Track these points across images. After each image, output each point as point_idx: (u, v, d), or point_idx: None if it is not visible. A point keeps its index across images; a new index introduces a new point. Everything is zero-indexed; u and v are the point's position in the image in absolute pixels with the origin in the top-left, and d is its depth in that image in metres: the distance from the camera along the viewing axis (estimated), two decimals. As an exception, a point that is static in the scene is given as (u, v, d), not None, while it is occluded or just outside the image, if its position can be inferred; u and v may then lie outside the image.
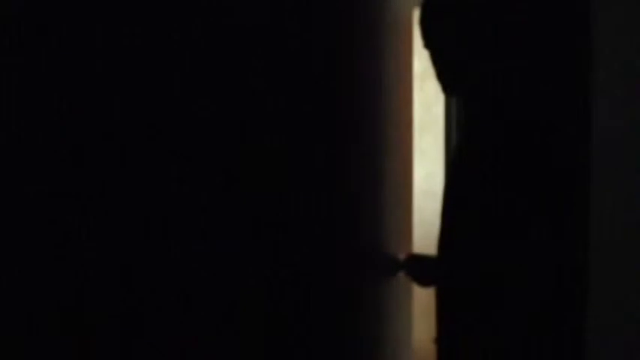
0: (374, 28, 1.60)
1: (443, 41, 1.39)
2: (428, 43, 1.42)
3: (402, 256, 1.78)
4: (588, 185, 1.14)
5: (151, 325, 0.98)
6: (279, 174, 1.24)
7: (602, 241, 1.13)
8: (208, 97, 1.05)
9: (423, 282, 1.71)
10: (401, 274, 1.78)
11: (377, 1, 1.62)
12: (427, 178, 3.61)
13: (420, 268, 1.72)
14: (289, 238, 1.27)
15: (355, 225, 1.55)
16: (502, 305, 1.30)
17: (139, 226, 0.96)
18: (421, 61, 3.59)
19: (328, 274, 1.43)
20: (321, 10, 1.35)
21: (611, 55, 1.13)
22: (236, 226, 1.13)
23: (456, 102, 3.31)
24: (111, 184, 0.90)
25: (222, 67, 1.06)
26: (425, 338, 3.52)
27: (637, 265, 1.11)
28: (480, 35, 1.35)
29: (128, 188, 0.93)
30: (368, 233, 1.63)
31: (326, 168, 1.40)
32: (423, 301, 3.63)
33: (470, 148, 1.38)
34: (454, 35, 1.37)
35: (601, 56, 1.13)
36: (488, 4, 1.37)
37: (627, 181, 1.12)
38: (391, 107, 1.73)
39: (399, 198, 1.78)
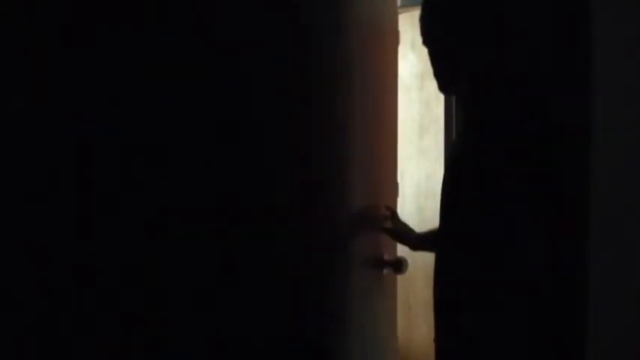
0: (355, 30, 1.62)
1: (441, 39, 1.38)
2: (426, 40, 1.42)
3: (387, 256, 1.83)
4: (588, 184, 1.14)
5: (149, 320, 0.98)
6: (266, 175, 1.24)
7: (602, 241, 1.13)
8: (197, 97, 1.06)
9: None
10: (386, 272, 1.83)
11: (358, 3, 1.64)
12: (427, 178, 3.61)
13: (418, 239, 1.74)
14: (279, 237, 1.28)
15: (342, 225, 1.57)
16: (500, 304, 1.29)
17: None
18: (421, 61, 3.59)
19: (317, 271, 1.45)
20: (302, 12, 1.37)
21: (611, 54, 1.13)
22: (228, 228, 1.13)
23: (456, 101, 3.31)
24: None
25: (202, 71, 1.06)
26: (425, 338, 3.52)
27: (637, 265, 1.11)
28: (478, 33, 1.35)
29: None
30: (355, 233, 1.66)
31: (310, 169, 1.41)
32: (423, 301, 3.63)
33: (468, 147, 1.38)
34: (453, 33, 1.37)
35: (601, 55, 1.13)
36: (487, 2, 1.37)
37: (627, 180, 1.12)
38: (375, 108, 1.75)
39: (384, 198, 1.80)
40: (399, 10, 3.77)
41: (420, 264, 3.60)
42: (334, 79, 1.53)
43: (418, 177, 3.68)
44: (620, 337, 1.12)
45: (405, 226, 1.81)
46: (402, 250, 3.49)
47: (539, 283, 1.28)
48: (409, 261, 3.66)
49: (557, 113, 1.33)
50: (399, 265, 1.85)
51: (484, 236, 1.31)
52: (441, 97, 3.25)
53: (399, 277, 3.75)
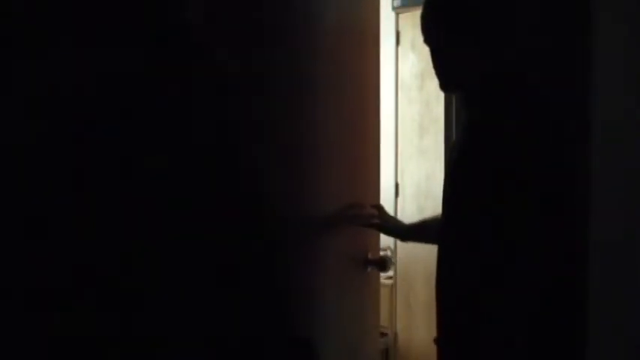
0: (334, 30, 1.64)
1: (443, 37, 1.39)
2: (428, 39, 1.42)
3: (370, 255, 1.90)
4: (588, 183, 1.14)
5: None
6: (241, 174, 1.26)
7: (602, 241, 1.13)
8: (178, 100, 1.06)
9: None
10: (370, 270, 1.90)
11: (338, 5, 1.66)
12: (427, 178, 3.61)
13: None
14: (253, 236, 1.30)
15: (320, 225, 1.63)
16: (502, 305, 1.30)
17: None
18: (421, 61, 3.59)
19: (293, 271, 1.50)
20: (280, 11, 1.39)
21: (610, 53, 1.13)
22: (201, 226, 1.14)
23: (455, 101, 3.30)
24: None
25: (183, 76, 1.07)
26: (425, 338, 3.52)
27: (637, 265, 1.11)
28: (479, 33, 1.35)
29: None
30: (340, 233, 1.74)
31: (286, 168, 1.43)
32: (423, 301, 3.63)
33: (469, 146, 1.38)
34: (454, 32, 1.37)
35: (601, 55, 1.13)
36: (488, 2, 1.37)
37: (627, 181, 1.12)
38: (355, 108, 1.79)
39: (367, 198, 1.84)
40: (399, 10, 3.77)
41: (420, 264, 3.61)
42: (311, 79, 1.55)
43: (418, 177, 3.68)
44: (621, 338, 1.12)
45: (393, 219, 1.85)
46: (405, 246, 3.48)
47: (540, 282, 1.28)
48: (409, 263, 3.68)
49: (557, 113, 1.33)
50: (384, 264, 1.90)
51: (485, 236, 1.31)
52: (441, 97, 3.24)
53: (399, 278, 3.76)
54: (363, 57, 1.83)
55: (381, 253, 1.95)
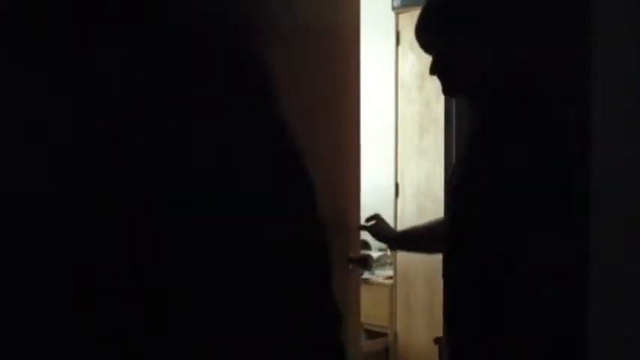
0: (311, 30, 1.64)
1: (443, 42, 1.39)
2: (428, 46, 1.42)
3: (351, 254, 1.92)
4: (588, 183, 1.14)
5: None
6: (214, 175, 1.26)
7: (603, 241, 1.13)
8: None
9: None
10: (351, 269, 1.93)
11: (321, 5, 1.67)
12: (427, 178, 3.61)
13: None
14: (258, 239, 1.31)
15: (311, 227, 1.63)
16: (502, 304, 1.30)
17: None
18: (421, 61, 3.59)
19: (297, 270, 1.49)
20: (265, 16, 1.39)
21: (610, 53, 1.13)
22: (215, 228, 1.14)
23: (455, 102, 3.30)
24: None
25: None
26: (425, 338, 3.52)
27: (637, 265, 1.11)
28: (480, 34, 1.36)
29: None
30: (322, 233, 1.73)
31: (272, 169, 1.44)
32: (423, 301, 3.63)
33: (473, 147, 1.38)
34: (456, 35, 1.37)
35: (601, 55, 1.13)
36: (485, 5, 1.37)
37: (628, 181, 1.12)
38: (336, 107, 1.79)
39: (346, 198, 1.84)
40: (399, 10, 3.77)
41: (420, 264, 3.61)
42: (287, 79, 1.56)
43: (418, 177, 3.68)
44: (621, 338, 1.12)
45: (386, 227, 1.87)
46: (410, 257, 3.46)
47: (541, 281, 1.28)
48: (409, 263, 3.68)
49: (557, 114, 1.33)
50: (365, 262, 1.93)
51: (487, 237, 1.31)
52: (441, 97, 3.23)
53: (399, 278, 3.76)
54: (343, 57, 1.83)
55: (379, 253, 1.96)
